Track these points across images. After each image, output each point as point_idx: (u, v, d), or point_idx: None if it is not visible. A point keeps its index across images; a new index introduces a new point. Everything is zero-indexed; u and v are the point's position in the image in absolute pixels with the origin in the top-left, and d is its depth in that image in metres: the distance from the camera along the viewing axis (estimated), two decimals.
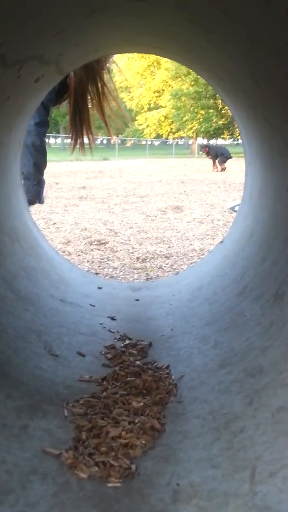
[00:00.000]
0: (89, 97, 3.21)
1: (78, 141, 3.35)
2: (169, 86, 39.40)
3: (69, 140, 3.49)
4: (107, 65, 3.20)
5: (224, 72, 2.45)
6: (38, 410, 1.60)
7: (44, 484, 1.28)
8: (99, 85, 3.17)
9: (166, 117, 39.66)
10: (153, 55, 3.46)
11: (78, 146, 3.39)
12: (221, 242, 3.25)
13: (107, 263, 4.66)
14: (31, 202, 3.32)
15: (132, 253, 5.07)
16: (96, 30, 2.22)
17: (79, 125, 3.28)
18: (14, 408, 1.57)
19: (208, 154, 19.53)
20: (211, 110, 35.69)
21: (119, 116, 3.35)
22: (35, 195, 3.29)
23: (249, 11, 1.58)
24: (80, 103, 3.20)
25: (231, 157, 18.82)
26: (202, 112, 35.90)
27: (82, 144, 3.42)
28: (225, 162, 18.53)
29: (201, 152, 22.19)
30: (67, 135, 3.47)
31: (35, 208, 6.84)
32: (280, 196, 2.15)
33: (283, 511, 1.11)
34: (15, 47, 1.76)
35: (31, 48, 1.92)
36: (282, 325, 1.75)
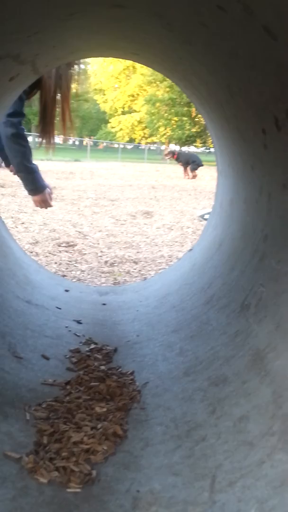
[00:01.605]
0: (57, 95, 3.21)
1: (46, 139, 3.35)
2: (144, 91, 39.55)
3: (40, 139, 3.46)
4: (75, 66, 3.20)
5: (200, 82, 2.48)
6: (0, 413, 1.58)
7: (3, 488, 1.27)
8: (66, 86, 3.18)
9: (139, 122, 39.79)
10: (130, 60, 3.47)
11: (45, 144, 3.40)
12: (190, 250, 3.27)
13: (75, 266, 4.64)
14: (39, 191, 3.26)
15: (100, 256, 5.06)
16: (74, 33, 2.21)
17: (48, 122, 3.28)
18: None
19: (177, 160, 19.63)
20: (185, 118, 35.94)
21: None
22: (39, 184, 3.22)
23: (228, 25, 1.60)
24: (49, 100, 3.20)
25: (202, 165, 18.97)
26: (176, 119, 36.12)
27: (51, 142, 3.42)
28: (196, 169, 18.67)
29: (168, 157, 22.25)
30: (38, 134, 3.43)
31: (3, 206, 6.77)
32: (250, 208, 2.18)
33: None
34: None
35: (7, 47, 1.91)
36: (247, 335, 1.77)
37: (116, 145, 40.68)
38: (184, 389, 1.78)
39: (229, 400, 1.55)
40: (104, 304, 2.95)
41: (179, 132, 36.24)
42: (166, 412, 1.68)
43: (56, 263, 4.69)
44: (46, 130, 3.28)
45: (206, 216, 6.38)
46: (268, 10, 1.35)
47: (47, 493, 1.28)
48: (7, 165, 3.37)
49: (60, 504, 1.25)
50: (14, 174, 3.40)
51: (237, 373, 1.64)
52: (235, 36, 1.64)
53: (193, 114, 35.00)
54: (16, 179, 3.52)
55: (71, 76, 3.17)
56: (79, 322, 2.55)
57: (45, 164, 19.59)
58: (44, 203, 3.38)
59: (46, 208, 3.45)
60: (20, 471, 1.35)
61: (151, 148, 45.64)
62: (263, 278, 1.85)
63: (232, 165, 2.56)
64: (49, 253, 5.04)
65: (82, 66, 3.24)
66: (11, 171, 3.42)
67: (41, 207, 3.41)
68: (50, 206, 3.44)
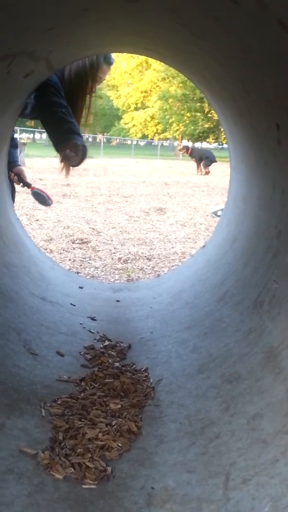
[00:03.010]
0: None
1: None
2: (157, 87, 39.43)
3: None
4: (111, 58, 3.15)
5: (213, 77, 2.47)
6: (16, 409, 1.60)
7: (19, 484, 1.28)
8: (99, 79, 3.13)
9: (152, 118, 39.68)
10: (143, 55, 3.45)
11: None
12: (203, 246, 3.27)
13: (89, 263, 4.65)
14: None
15: (114, 253, 5.07)
16: (88, 29, 2.21)
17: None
18: None
19: (191, 156, 19.57)
20: (198, 113, 35.78)
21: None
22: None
23: (242, 20, 1.59)
24: (75, 113, 3.13)
25: (215, 161, 18.88)
26: (188, 114, 35.98)
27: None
28: (209, 165, 18.59)
29: (181, 152, 22.16)
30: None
31: (18, 204, 6.80)
32: (264, 204, 2.17)
33: None
34: (6, 42, 1.75)
35: (22, 44, 1.91)
36: (260, 333, 1.77)
37: (129, 142, 40.63)
38: (198, 386, 1.78)
39: (242, 398, 1.55)
40: (118, 301, 2.96)
41: (192, 128, 36.09)
42: (180, 409, 1.68)
43: (70, 260, 4.71)
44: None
45: (219, 213, 6.35)
46: (282, 4, 1.34)
47: (63, 489, 1.30)
48: (10, 169, 3.32)
49: (75, 500, 1.26)
50: (15, 182, 3.38)
51: (251, 371, 1.64)
52: (249, 31, 1.63)
53: (206, 110, 34.82)
54: (31, 176, 3.49)
55: (107, 69, 3.14)
56: (93, 318, 2.56)
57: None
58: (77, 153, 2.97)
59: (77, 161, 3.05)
60: (36, 467, 1.36)
61: (164, 144, 45.54)
62: (277, 275, 1.84)
63: (245, 160, 2.55)
64: (63, 250, 5.06)
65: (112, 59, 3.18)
66: (11, 179, 3.36)
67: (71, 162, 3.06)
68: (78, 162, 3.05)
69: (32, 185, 3.52)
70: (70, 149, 2.93)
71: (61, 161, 3.05)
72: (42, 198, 3.59)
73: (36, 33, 1.92)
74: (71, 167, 3.23)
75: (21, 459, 1.37)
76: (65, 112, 2.88)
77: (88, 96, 3.10)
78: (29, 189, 3.54)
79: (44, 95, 2.87)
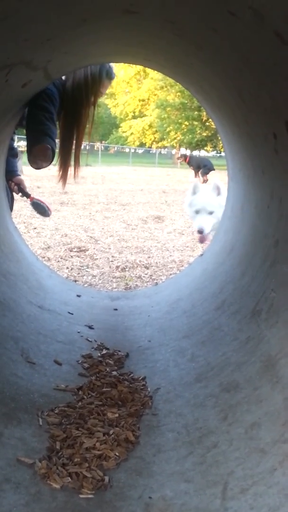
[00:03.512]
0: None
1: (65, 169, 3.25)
2: (155, 95, 39.59)
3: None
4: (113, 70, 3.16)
5: (210, 87, 2.48)
6: (13, 418, 1.59)
7: (16, 493, 1.28)
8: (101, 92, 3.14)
9: (150, 126, 39.81)
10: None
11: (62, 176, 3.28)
12: (201, 255, 3.27)
13: (87, 271, 4.65)
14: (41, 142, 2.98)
15: (111, 261, 5.07)
16: (86, 39, 2.23)
17: (70, 151, 3.20)
18: None
19: (189, 164, 19.63)
20: (195, 122, 35.92)
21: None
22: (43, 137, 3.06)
23: (239, 31, 1.60)
24: (76, 126, 3.13)
25: (213, 169, 18.93)
26: (186, 123, 36.12)
27: (66, 173, 3.30)
28: (207, 174, 18.63)
29: (180, 160, 22.22)
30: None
31: (16, 211, 6.80)
32: (261, 213, 2.17)
33: None
34: (4, 52, 1.76)
35: (20, 53, 1.93)
36: (258, 341, 1.77)
37: (127, 150, 40.73)
38: (196, 395, 1.78)
39: (240, 407, 1.55)
40: (115, 309, 2.96)
41: (190, 136, 36.22)
42: (178, 418, 1.68)
43: (67, 268, 4.71)
44: (68, 158, 3.19)
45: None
46: (279, 16, 1.35)
47: (60, 498, 1.29)
48: (9, 178, 3.32)
49: (72, 510, 1.26)
50: (15, 192, 3.37)
51: (249, 380, 1.64)
52: (246, 42, 1.64)
53: (204, 119, 34.96)
54: (29, 184, 3.48)
55: (108, 84, 3.16)
56: (91, 327, 2.56)
57: (56, 169, 19.64)
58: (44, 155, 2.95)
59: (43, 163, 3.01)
60: (33, 476, 1.36)
61: (162, 152, 45.66)
62: (275, 284, 1.84)
63: (243, 170, 2.56)
64: (61, 258, 5.06)
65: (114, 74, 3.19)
66: (11, 188, 3.35)
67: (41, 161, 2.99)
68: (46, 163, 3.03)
69: (32, 196, 3.53)
70: (38, 151, 2.93)
71: (30, 163, 3.01)
72: (41, 209, 3.60)
73: (34, 43, 1.93)
74: (64, 175, 3.23)
75: (18, 469, 1.37)
76: (46, 115, 2.88)
77: (89, 108, 3.11)
78: (29, 200, 3.54)
79: (34, 99, 2.88)
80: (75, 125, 3.11)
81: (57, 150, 3.17)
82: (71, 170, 3.27)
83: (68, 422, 1.65)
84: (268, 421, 1.41)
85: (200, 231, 3.79)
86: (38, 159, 2.92)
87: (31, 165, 2.98)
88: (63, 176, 3.27)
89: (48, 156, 2.93)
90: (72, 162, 3.24)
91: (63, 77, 3.00)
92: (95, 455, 1.47)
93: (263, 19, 1.43)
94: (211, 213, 3.82)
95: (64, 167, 3.25)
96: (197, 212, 3.89)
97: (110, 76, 3.08)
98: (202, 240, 3.97)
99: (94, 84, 3.02)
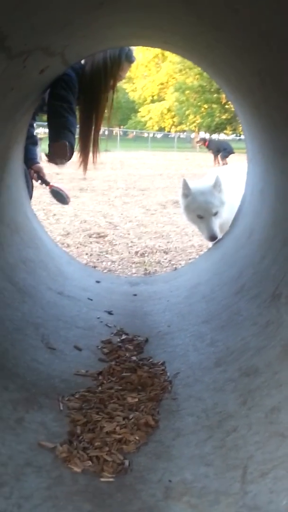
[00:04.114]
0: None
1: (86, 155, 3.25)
2: (173, 79, 39.22)
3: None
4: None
5: (230, 69, 2.45)
6: (34, 403, 1.61)
7: (38, 477, 1.30)
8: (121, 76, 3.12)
9: (169, 110, 39.52)
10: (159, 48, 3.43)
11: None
12: (220, 239, 3.25)
13: (106, 257, 4.67)
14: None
15: (131, 247, 5.08)
16: (103, 23, 2.21)
17: (90, 136, 3.19)
18: (10, 401, 1.58)
19: (208, 147, 19.46)
20: (214, 105, 35.55)
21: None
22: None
23: (259, 10, 1.57)
24: (95, 110, 3.11)
25: (233, 152, 18.74)
26: (205, 106, 35.77)
27: (86, 159, 3.29)
28: (227, 157, 18.45)
29: (199, 144, 22.01)
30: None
31: (35, 198, 6.83)
32: (281, 195, 2.15)
33: (272, 511, 1.12)
34: (21, 38, 1.76)
35: (37, 39, 1.92)
36: (278, 326, 1.76)
37: (145, 134, 40.55)
38: (215, 380, 1.78)
39: (260, 391, 1.55)
40: (135, 294, 2.96)
41: (209, 119, 35.88)
42: (197, 402, 1.68)
43: (87, 254, 4.72)
44: (88, 145, 3.19)
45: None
46: None
47: (81, 482, 1.31)
48: (29, 166, 3.33)
49: (93, 493, 1.27)
50: (34, 179, 3.38)
51: (268, 364, 1.63)
52: (267, 20, 1.61)
53: (223, 101, 34.56)
54: (48, 171, 3.47)
55: (127, 67, 3.13)
56: (110, 313, 2.57)
57: (75, 155, 19.66)
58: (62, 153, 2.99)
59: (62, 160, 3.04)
60: (54, 460, 1.38)
61: (181, 136, 45.34)
62: None
63: (263, 152, 2.53)
64: (80, 244, 5.08)
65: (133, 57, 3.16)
66: (31, 176, 3.36)
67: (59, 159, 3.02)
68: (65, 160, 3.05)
69: (51, 183, 3.53)
70: (57, 148, 2.93)
71: (49, 159, 3.01)
72: (60, 197, 3.61)
73: (51, 28, 1.92)
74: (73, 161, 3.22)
75: (39, 453, 1.39)
76: (65, 106, 2.87)
77: (108, 92, 3.09)
78: (48, 187, 3.55)
79: (53, 87, 2.87)
80: (94, 110, 3.09)
81: (77, 136, 3.17)
82: (90, 155, 3.27)
83: (88, 407, 1.66)
84: None
85: (213, 238, 3.27)
86: (56, 156, 2.94)
87: (50, 161, 2.98)
88: (84, 161, 3.27)
89: (66, 154, 2.94)
90: (91, 147, 3.24)
91: (82, 61, 2.98)
92: (115, 439, 1.48)
93: None
94: (215, 214, 3.29)
95: (84, 152, 3.24)
96: (200, 216, 3.33)
97: (129, 59, 3.05)
98: (213, 239, 3.32)
99: (113, 67, 3.00)
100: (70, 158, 3.02)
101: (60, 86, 2.85)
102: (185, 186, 3.40)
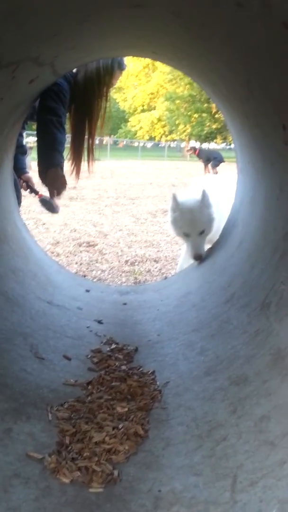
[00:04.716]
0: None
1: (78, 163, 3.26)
2: (164, 88, 39.43)
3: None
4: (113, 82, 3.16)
5: (219, 79, 2.47)
6: (22, 413, 1.60)
7: (26, 488, 1.29)
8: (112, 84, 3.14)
9: (159, 120, 39.69)
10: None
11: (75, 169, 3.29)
12: (210, 248, 3.26)
13: (96, 265, 4.66)
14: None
15: (121, 256, 5.07)
16: (92, 34, 2.22)
17: (82, 144, 3.20)
18: None
19: (199, 156, 19.56)
20: (205, 114, 35.74)
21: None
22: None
23: (247, 22, 1.59)
24: (88, 118, 3.12)
25: (223, 161, 18.84)
26: (196, 115, 35.96)
27: (79, 168, 3.30)
28: (217, 166, 18.55)
29: (189, 153, 22.12)
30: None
31: (25, 208, 6.82)
32: (271, 205, 2.16)
33: None
34: (10, 48, 1.76)
35: (26, 50, 1.92)
36: (268, 334, 1.76)
37: (136, 144, 40.66)
38: (205, 389, 1.77)
39: (250, 400, 1.55)
40: (125, 303, 2.96)
41: (199, 128, 36.08)
42: (187, 411, 1.68)
43: (77, 263, 4.72)
44: (80, 153, 3.20)
45: None
46: (287, 6, 1.34)
47: (70, 493, 1.30)
48: (18, 176, 3.32)
49: (82, 504, 1.26)
50: (23, 188, 3.39)
51: (258, 373, 1.64)
52: (254, 32, 1.63)
53: (213, 111, 34.77)
54: (38, 179, 3.47)
55: (119, 75, 3.16)
56: (100, 322, 2.57)
57: (65, 164, 19.67)
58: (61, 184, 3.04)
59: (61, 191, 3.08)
60: (42, 471, 1.36)
61: (171, 145, 45.52)
62: (284, 276, 1.83)
63: (253, 162, 2.55)
64: (70, 253, 5.07)
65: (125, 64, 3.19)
66: (21, 185, 3.36)
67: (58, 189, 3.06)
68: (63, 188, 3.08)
69: (40, 193, 3.54)
70: (54, 180, 2.97)
71: (47, 187, 3.05)
72: (49, 206, 3.61)
73: (40, 39, 1.93)
74: (77, 171, 3.23)
75: (28, 464, 1.38)
76: (54, 120, 2.86)
77: (101, 100, 3.11)
78: (37, 196, 3.55)
79: (43, 98, 2.87)
80: (87, 118, 3.10)
81: (68, 145, 3.18)
82: (83, 164, 3.28)
83: (77, 417, 1.65)
84: (278, 414, 1.41)
85: (198, 257, 3.18)
86: (55, 188, 3.00)
87: (49, 190, 3.02)
88: (76, 170, 3.27)
89: (64, 182, 2.96)
90: (86, 156, 3.24)
91: (74, 70, 3.00)
92: (104, 449, 1.47)
93: (271, 10, 1.41)
94: (202, 232, 3.18)
95: (76, 161, 3.25)
96: (186, 234, 3.24)
97: (121, 67, 3.09)
98: (197, 258, 3.21)
99: (106, 75, 3.02)
100: (67, 185, 3.04)
101: (51, 98, 2.85)
102: (174, 200, 3.26)
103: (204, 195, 3.15)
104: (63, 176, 2.99)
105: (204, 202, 3.16)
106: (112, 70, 3.03)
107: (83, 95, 3.02)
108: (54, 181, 2.98)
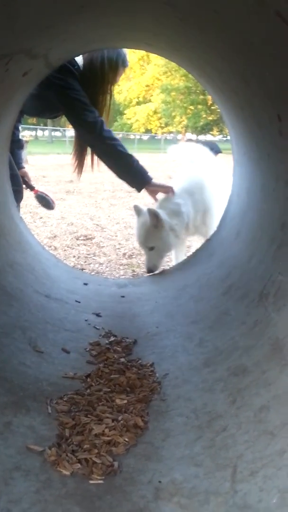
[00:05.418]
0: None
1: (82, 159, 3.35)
2: (159, 80, 39.30)
3: (57, 133, 3.43)
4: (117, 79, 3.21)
5: (213, 70, 2.46)
6: (22, 407, 1.60)
7: (27, 480, 1.29)
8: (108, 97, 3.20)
9: (155, 112, 39.59)
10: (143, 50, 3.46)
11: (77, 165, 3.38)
12: (208, 239, 3.26)
13: (93, 259, 4.66)
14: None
15: (118, 249, 5.07)
16: (85, 25, 2.21)
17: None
18: None
19: None
20: (201, 106, 35.68)
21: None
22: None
23: (241, 12, 1.58)
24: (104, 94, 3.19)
25: (220, 152, 18.84)
26: (192, 107, 35.89)
27: (82, 163, 3.40)
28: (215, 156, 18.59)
29: None
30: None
31: (21, 201, 6.81)
32: (267, 196, 2.16)
33: (262, 510, 1.12)
34: (3, 41, 1.75)
35: (19, 42, 1.91)
36: (266, 325, 1.76)
37: (132, 136, 40.58)
38: (204, 380, 1.78)
39: (249, 390, 1.55)
40: (123, 296, 2.96)
41: (195, 120, 36.01)
42: (187, 403, 1.69)
43: (74, 256, 4.71)
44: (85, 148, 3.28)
45: None
46: None
47: (70, 485, 1.30)
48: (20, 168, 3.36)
49: (83, 496, 1.26)
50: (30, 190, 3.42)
51: (257, 363, 1.64)
52: (248, 23, 1.62)
53: (209, 103, 34.69)
54: (34, 173, 3.49)
55: (122, 72, 3.19)
56: (98, 315, 2.57)
57: (62, 158, 19.63)
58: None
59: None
60: (43, 464, 1.37)
61: (167, 138, 45.41)
62: (282, 267, 1.84)
63: (248, 153, 2.54)
64: (67, 247, 5.06)
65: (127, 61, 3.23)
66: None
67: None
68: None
69: (36, 188, 3.53)
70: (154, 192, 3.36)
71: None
72: (45, 202, 3.62)
73: (33, 31, 1.92)
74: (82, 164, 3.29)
75: (28, 456, 1.38)
76: (111, 138, 3.12)
77: (105, 96, 3.16)
78: (33, 192, 3.56)
79: (77, 113, 2.94)
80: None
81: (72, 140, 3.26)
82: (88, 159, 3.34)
83: (77, 410, 1.66)
84: (277, 404, 1.41)
85: (149, 271, 3.40)
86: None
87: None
88: (79, 165, 3.32)
89: (164, 186, 3.44)
90: (89, 151, 3.30)
91: (80, 65, 3.03)
92: (104, 441, 1.48)
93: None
94: (152, 248, 3.34)
95: (80, 156, 3.30)
96: (140, 247, 3.50)
97: (124, 64, 3.13)
98: (148, 272, 3.44)
99: (110, 72, 3.06)
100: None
101: (82, 109, 2.99)
102: (136, 211, 3.49)
103: (153, 216, 3.22)
104: (159, 184, 3.42)
105: (152, 222, 3.24)
106: (117, 68, 3.07)
107: (88, 92, 3.05)
108: (155, 192, 3.41)
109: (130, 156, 3.12)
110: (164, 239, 3.25)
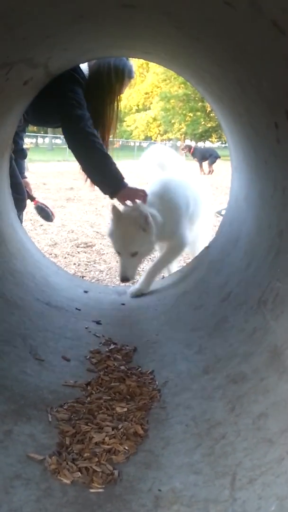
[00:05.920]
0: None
1: None
2: (158, 88, 39.41)
3: (57, 141, 3.42)
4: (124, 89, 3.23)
5: (211, 78, 2.48)
6: (22, 415, 1.61)
7: (27, 489, 1.29)
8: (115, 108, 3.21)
9: (154, 119, 39.68)
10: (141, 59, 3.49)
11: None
12: (207, 247, 3.27)
13: (94, 266, 4.66)
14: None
15: None
16: (85, 35, 2.23)
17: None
18: None
19: (193, 156, 19.59)
20: (199, 113, 35.75)
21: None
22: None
23: (236, 21, 1.60)
24: (101, 124, 3.18)
25: (219, 157, 18.92)
26: (191, 114, 35.96)
27: None
28: (214, 162, 18.66)
29: (184, 151, 22.17)
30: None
31: None
32: (265, 203, 2.17)
33: None
34: (3, 50, 1.77)
35: (19, 52, 1.93)
36: (265, 332, 1.77)
37: (132, 143, 40.64)
38: (204, 387, 1.78)
39: (248, 398, 1.56)
40: (123, 304, 2.96)
41: (193, 127, 36.09)
42: (186, 410, 1.69)
43: (75, 264, 4.72)
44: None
45: (223, 212, 6.32)
46: (276, 5, 1.35)
47: (71, 493, 1.30)
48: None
49: (83, 504, 1.27)
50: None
51: (256, 370, 1.64)
52: (244, 32, 1.64)
53: (208, 110, 34.76)
54: (35, 181, 3.49)
55: (128, 83, 3.21)
56: (98, 322, 2.57)
57: (62, 165, 19.68)
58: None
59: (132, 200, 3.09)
60: (43, 472, 1.37)
61: (167, 144, 45.49)
62: (280, 274, 1.84)
63: (246, 160, 2.55)
64: (68, 254, 5.07)
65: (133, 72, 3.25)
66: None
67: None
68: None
69: (36, 199, 3.54)
70: (124, 198, 3.16)
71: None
72: (45, 213, 3.63)
73: (33, 41, 1.94)
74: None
75: (28, 465, 1.38)
76: (92, 133, 2.94)
77: (111, 107, 3.17)
78: (33, 203, 3.56)
79: (66, 109, 2.90)
80: (100, 124, 3.15)
81: None
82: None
83: (77, 418, 1.66)
84: (276, 411, 1.42)
85: (124, 280, 2.96)
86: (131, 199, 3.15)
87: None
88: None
89: (137, 191, 3.23)
90: None
91: (86, 74, 3.04)
92: (104, 449, 1.48)
93: (260, 9, 1.42)
94: (134, 254, 2.92)
95: None
96: (118, 253, 3.01)
97: (130, 75, 3.14)
98: (123, 281, 3.01)
99: (117, 83, 3.08)
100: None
101: (73, 106, 2.90)
102: (114, 212, 3.02)
103: (144, 218, 2.87)
104: (133, 189, 3.20)
105: (142, 225, 2.88)
106: (123, 78, 3.09)
107: (95, 103, 3.07)
108: (128, 198, 3.14)
109: (109, 157, 3.03)
110: (151, 244, 2.98)
